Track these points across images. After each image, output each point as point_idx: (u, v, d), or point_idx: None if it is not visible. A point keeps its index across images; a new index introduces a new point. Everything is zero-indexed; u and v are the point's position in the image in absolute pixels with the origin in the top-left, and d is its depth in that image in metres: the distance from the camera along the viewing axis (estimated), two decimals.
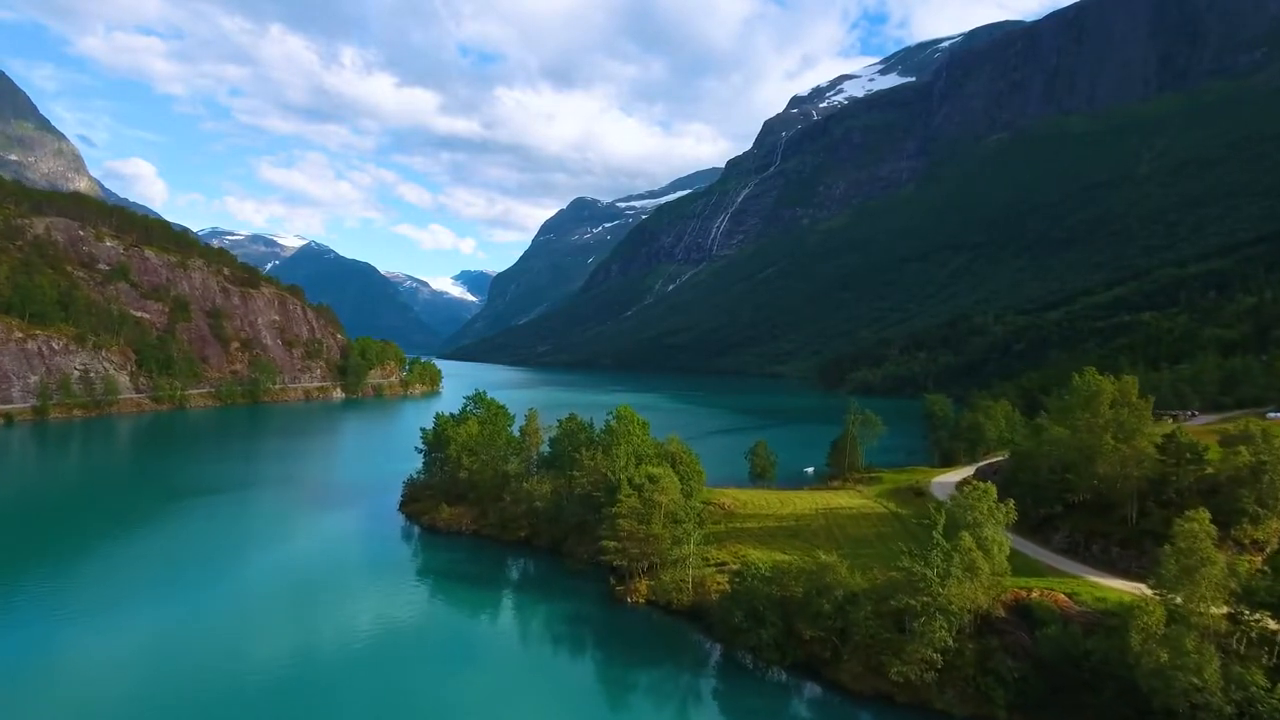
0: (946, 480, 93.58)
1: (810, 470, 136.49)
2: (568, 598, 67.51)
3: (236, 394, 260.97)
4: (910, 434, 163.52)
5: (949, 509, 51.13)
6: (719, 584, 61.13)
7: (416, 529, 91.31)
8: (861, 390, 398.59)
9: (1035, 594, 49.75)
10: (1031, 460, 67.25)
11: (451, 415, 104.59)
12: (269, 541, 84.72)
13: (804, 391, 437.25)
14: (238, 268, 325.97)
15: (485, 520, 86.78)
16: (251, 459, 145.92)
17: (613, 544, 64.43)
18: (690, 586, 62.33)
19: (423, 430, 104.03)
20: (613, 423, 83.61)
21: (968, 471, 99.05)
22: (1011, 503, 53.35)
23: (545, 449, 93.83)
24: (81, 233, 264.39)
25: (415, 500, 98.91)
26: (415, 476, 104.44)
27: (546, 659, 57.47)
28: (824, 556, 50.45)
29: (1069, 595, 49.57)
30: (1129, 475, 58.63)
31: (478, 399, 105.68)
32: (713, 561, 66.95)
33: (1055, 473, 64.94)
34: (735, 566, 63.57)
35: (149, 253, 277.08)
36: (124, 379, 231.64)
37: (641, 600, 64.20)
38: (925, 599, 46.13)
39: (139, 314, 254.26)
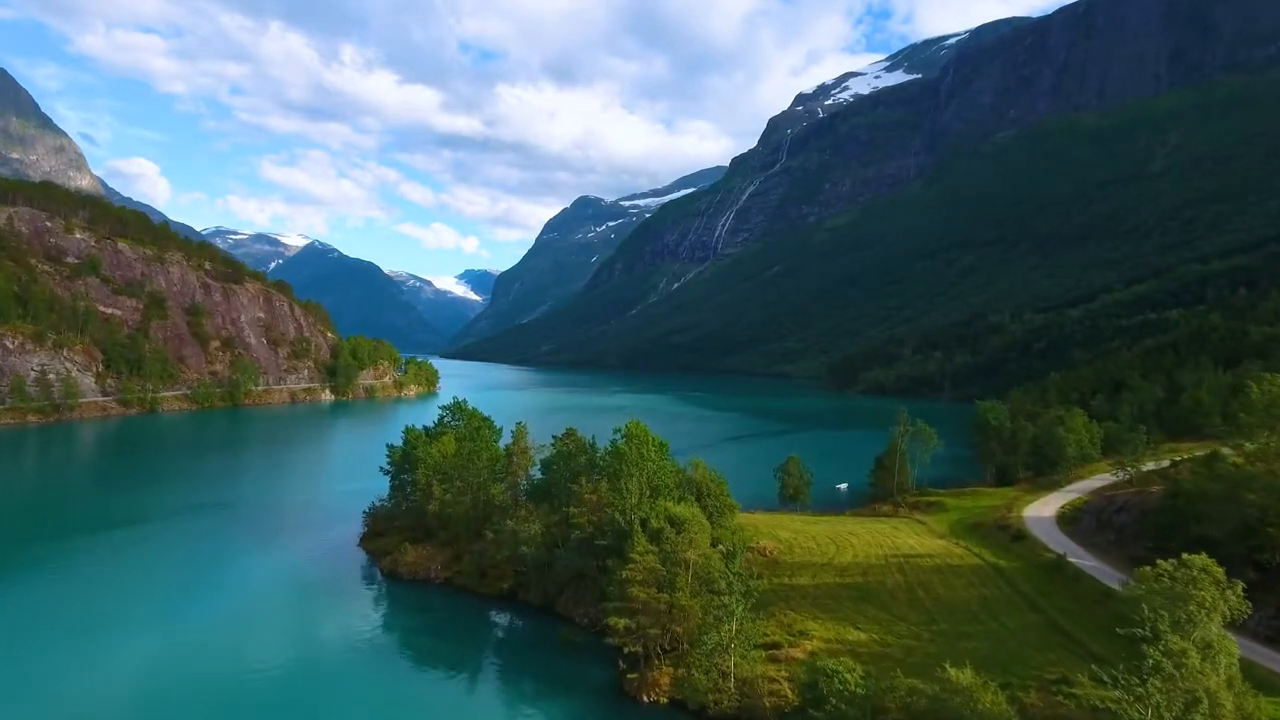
0: (1039, 514, 75.30)
1: (843, 487, 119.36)
2: (562, 689, 49.22)
3: (214, 396, 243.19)
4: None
5: (1141, 596, 33.45)
6: (774, 682, 43.16)
7: (377, 572, 73.38)
8: (874, 391, 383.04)
9: None
10: (1204, 504, 48.40)
11: (425, 429, 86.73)
12: (186, 593, 66.45)
13: (814, 392, 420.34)
14: (220, 262, 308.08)
15: (459, 566, 68.34)
16: (199, 475, 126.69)
17: (622, 622, 45.79)
18: (733, 684, 44.10)
19: (389, 447, 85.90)
20: (621, 444, 63.67)
21: (1061, 499, 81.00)
22: (1240, 587, 35.33)
23: (536, 472, 75.60)
24: (49, 224, 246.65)
25: (378, 534, 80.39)
26: (380, 503, 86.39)
27: None
28: (952, 671, 33.08)
29: None
30: None
31: (456, 408, 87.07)
32: (759, 639, 48.58)
33: (1246, 522, 46.27)
34: (794, 652, 45.96)
35: (123, 245, 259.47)
36: (89, 380, 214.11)
37: (663, 697, 45.65)
38: None
39: (109, 311, 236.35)
